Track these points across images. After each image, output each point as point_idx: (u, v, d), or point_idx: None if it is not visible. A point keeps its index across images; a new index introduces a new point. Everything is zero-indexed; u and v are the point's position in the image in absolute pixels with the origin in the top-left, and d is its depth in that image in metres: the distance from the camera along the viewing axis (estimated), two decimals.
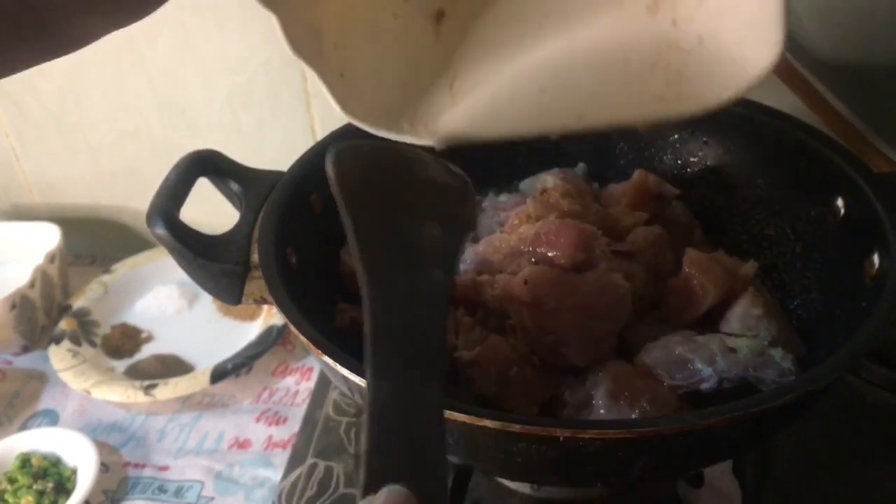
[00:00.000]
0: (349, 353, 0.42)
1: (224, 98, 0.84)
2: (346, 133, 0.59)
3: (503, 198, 0.62)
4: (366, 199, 0.36)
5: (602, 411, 0.47)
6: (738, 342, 0.49)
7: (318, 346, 0.43)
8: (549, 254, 0.51)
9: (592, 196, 0.61)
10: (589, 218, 0.55)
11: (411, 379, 0.31)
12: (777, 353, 0.48)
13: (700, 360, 0.48)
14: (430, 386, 0.32)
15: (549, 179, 0.60)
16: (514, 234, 0.52)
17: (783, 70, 0.72)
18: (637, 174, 0.61)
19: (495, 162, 0.65)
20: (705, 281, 0.53)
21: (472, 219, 0.40)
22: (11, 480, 0.65)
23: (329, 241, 0.58)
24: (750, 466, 0.56)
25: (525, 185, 0.64)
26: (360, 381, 0.41)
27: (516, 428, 0.37)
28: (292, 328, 0.44)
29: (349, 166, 0.37)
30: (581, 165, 0.65)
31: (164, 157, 0.52)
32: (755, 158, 0.59)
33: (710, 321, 0.53)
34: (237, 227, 0.51)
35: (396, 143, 0.37)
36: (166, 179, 0.50)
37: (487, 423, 0.38)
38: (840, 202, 0.53)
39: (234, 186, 0.54)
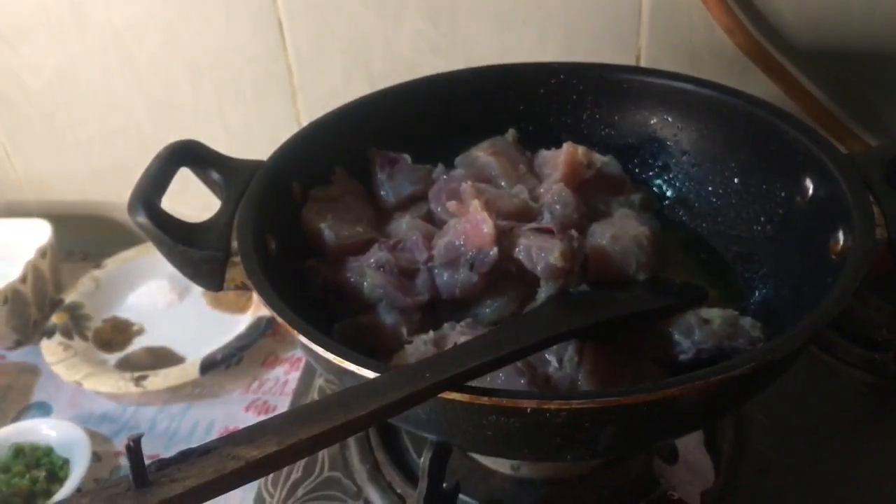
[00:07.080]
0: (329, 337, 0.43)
1: (211, 94, 0.85)
2: (325, 121, 0.60)
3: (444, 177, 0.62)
4: None
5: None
6: (711, 313, 0.50)
7: (294, 326, 0.44)
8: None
9: (526, 164, 0.63)
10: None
11: None
12: (746, 321, 0.50)
13: (678, 333, 0.49)
14: None
15: (480, 156, 0.62)
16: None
17: (762, 59, 0.73)
18: (566, 147, 0.61)
19: (438, 139, 0.65)
20: None
21: None
22: (5, 469, 0.66)
23: None
24: (725, 443, 0.57)
25: (459, 160, 0.64)
26: (336, 360, 0.42)
27: (484, 400, 0.38)
28: (269, 310, 0.45)
29: None
30: (511, 132, 0.66)
31: (153, 154, 0.53)
32: (727, 142, 0.60)
33: None
34: (218, 214, 0.52)
35: None
36: (147, 169, 0.51)
37: (457, 396, 0.39)
38: (808, 182, 0.54)
39: (215, 175, 0.55)
